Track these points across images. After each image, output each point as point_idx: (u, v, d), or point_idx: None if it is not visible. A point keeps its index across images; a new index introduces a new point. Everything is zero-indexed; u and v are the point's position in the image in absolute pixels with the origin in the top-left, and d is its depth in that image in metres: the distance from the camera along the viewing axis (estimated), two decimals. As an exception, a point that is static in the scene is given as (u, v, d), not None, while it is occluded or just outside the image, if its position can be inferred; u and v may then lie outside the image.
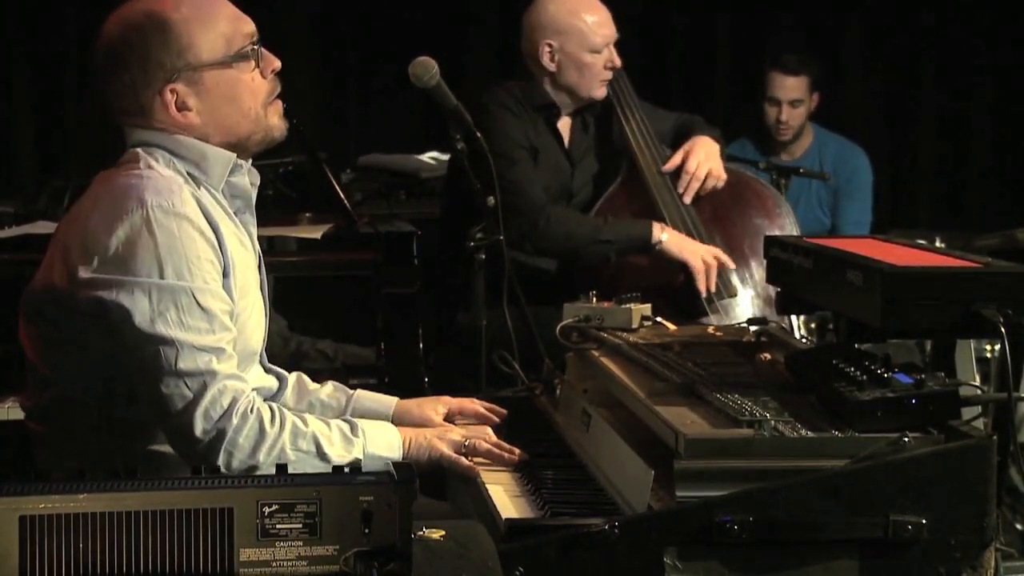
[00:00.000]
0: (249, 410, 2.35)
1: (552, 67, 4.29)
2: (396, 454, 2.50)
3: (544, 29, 4.30)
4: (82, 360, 2.40)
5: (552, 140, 4.34)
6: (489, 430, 2.68)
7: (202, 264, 2.36)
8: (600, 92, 4.35)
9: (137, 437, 2.43)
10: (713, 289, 4.19)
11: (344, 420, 2.51)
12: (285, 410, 2.44)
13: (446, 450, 2.56)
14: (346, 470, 2.09)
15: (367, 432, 2.49)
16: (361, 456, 2.44)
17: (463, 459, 2.57)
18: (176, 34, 2.41)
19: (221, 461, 2.32)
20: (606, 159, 4.48)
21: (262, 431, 2.35)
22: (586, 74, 4.29)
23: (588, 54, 4.27)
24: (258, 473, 2.34)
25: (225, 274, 2.42)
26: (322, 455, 2.41)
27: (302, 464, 2.38)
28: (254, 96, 2.48)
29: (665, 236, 4.17)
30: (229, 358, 2.38)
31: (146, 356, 2.32)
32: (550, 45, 4.28)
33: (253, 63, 2.47)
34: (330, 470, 2.36)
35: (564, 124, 4.39)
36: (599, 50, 4.27)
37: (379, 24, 6.22)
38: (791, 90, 5.59)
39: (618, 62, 4.33)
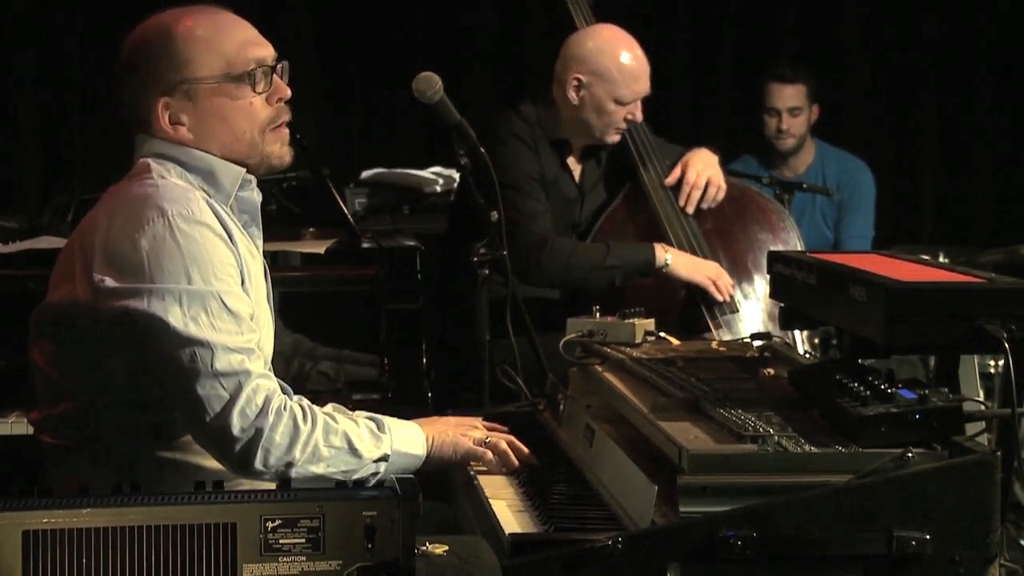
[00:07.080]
0: (283, 407, 2.37)
1: (575, 100, 4.24)
2: (421, 451, 2.54)
3: (580, 62, 4.23)
4: (103, 370, 2.41)
5: (563, 171, 4.31)
6: (506, 431, 2.73)
7: (225, 268, 2.40)
8: (613, 139, 4.29)
9: (155, 444, 2.44)
10: (728, 299, 4.18)
11: (370, 418, 2.53)
12: (315, 407, 2.45)
13: (471, 444, 2.62)
14: (350, 484, 2.09)
15: (393, 430, 2.52)
16: (389, 452, 2.48)
17: (488, 452, 2.63)
18: (177, 49, 2.46)
19: (258, 459, 2.34)
20: (613, 190, 4.45)
21: (296, 428, 2.37)
22: (604, 119, 4.24)
23: (612, 103, 4.21)
24: (294, 471, 2.36)
25: (243, 279, 2.46)
26: (353, 450, 2.43)
27: (336, 461, 2.41)
28: (249, 120, 2.50)
29: (670, 257, 4.15)
30: (258, 358, 2.40)
31: (181, 360, 2.33)
32: (578, 79, 4.22)
33: (251, 87, 2.49)
34: (362, 466, 2.44)
35: (576, 155, 4.37)
36: (625, 103, 4.21)
37: (382, 39, 6.23)
38: (789, 98, 5.62)
39: (639, 117, 4.26)
